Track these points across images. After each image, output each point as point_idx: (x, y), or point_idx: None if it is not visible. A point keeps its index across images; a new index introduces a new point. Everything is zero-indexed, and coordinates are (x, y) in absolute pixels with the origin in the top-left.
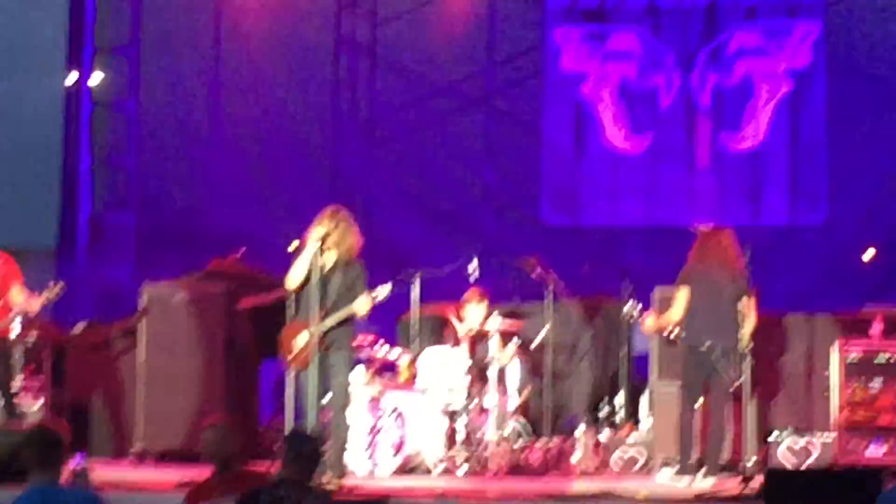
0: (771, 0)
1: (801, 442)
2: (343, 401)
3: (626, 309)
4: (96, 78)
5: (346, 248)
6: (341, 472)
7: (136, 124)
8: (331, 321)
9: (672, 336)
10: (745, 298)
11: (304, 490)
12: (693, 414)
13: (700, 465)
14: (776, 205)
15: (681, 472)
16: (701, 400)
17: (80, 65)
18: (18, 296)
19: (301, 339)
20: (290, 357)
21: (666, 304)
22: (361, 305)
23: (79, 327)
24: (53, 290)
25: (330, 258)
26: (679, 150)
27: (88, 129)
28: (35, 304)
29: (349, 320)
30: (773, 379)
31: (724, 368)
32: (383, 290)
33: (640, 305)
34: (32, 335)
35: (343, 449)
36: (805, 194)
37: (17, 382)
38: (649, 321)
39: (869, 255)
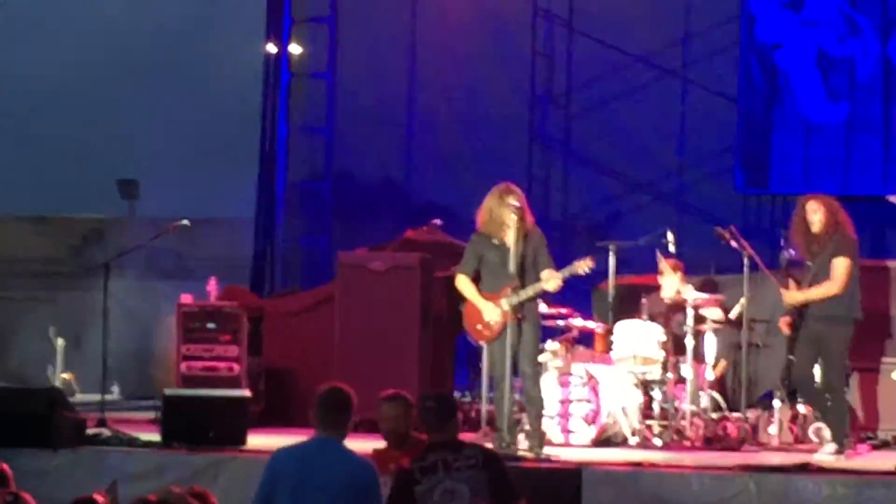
0: None
1: None
2: (534, 369)
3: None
4: (294, 48)
5: (526, 219)
6: (540, 440)
7: (333, 94)
8: (523, 295)
9: None
10: None
11: (454, 449)
12: None
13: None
14: None
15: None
16: None
17: (279, 35)
18: None
19: (490, 310)
20: (479, 329)
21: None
22: (552, 284)
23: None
24: None
25: (510, 231)
26: (876, 120)
27: (286, 99)
28: None
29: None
30: None
31: None
32: (583, 265)
33: None
34: (231, 304)
35: (539, 417)
36: None
37: None
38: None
39: None
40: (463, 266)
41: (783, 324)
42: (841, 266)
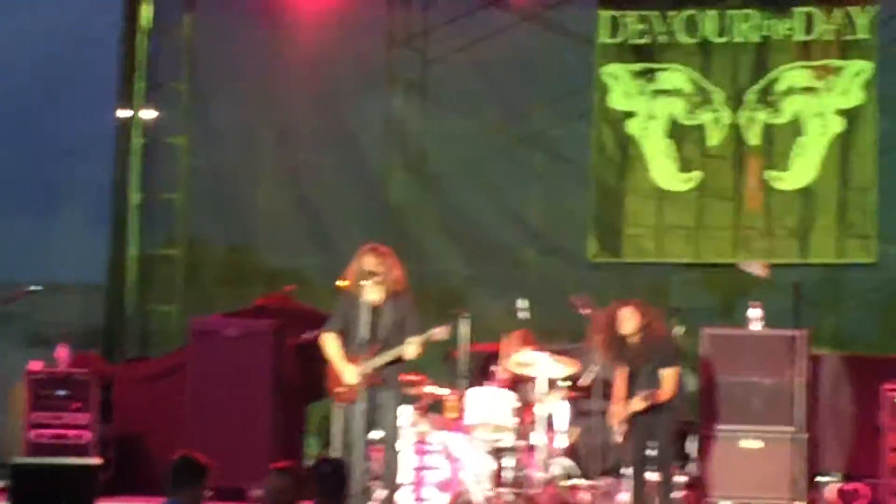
0: (822, 39)
1: (850, 485)
2: (393, 438)
3: None
4: (147, 114)
5: (393, 281)
6: None
7: (187, 161)
8: (380, 360)
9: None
10: None
11: None
12: None
13: None
14: (825, 243)
15: None
16: None
17: (132, 101)
18: None
19: (350, 374)
20: (339, 391)
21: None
22: (410, 350)
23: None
24: None
25: (377, 293)
26: (727, 188)
27: (139, 166)
28: None
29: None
30: (822, 420)
31: None
32: (440, 333)
33: None
34: (81, 371)
35: (395, 488)
36: (854, 233)
37: None
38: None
39: None
40: (329, 324)
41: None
42: (671, 377)
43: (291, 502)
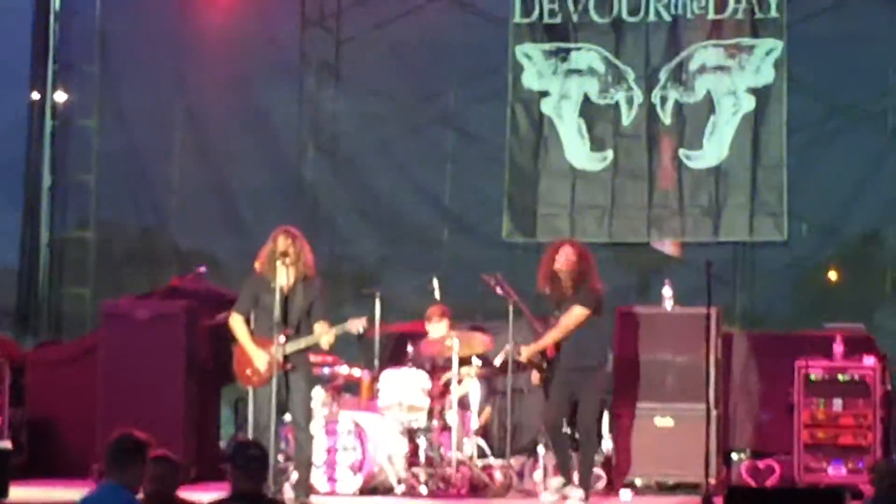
0: (734, 17)
1: (762, 461)
2: (305, 420)
3: None
4: (59, 96)
5: (304, 264)
6: (307, 491)
7: (99, 143)
8: (292, 348)
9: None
10: None
11: (254, 502)
12: None
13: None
14: (737, 221)
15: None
16: None
17: (44, 83)
18: None
19: (260, 357)
20: (248, 374)
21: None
22: (324, 340)
23: None
24: None
25: (289, 276)
26: (640, 167)
27: (50, 148)
28: None
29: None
30: (734, 398)
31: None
32: (355, 324)
33: None
34: None
35: (309, 468)
36: (766, 211)
37: None
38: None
39: (833, 275)
40: (237, 306)
41: (534, 378)
42: (574, 313)
43: (170, 489)
